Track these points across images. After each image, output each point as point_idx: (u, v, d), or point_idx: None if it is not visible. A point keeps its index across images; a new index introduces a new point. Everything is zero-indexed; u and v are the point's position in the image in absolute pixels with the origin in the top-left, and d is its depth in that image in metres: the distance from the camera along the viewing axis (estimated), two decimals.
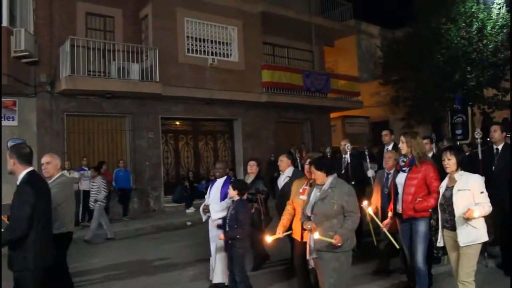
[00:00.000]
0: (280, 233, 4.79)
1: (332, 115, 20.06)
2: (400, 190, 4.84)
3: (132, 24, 14.21)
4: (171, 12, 13.90)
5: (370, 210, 5.22)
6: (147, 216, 13.19)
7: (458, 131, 8.78)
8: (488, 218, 4.33)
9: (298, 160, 8.66)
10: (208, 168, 15.78)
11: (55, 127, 12.36)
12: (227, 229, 5.22)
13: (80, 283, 6.55)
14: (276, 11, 16.30)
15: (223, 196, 5.79)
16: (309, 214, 4.23)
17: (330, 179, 4.20)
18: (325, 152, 9.05)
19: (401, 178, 4.85)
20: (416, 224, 4.73)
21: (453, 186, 4.35)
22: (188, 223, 11.81)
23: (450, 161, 4.40)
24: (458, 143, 8.42)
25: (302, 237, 4.69)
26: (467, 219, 4.11)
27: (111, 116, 13.57)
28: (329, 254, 4.06)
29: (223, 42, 15.23)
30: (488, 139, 8.74)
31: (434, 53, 18.17)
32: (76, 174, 11.65)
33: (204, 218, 6.04)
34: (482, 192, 4.26)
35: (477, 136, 6.79)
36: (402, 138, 4.90)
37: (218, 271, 5.73)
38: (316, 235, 4.01)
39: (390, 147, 7.45)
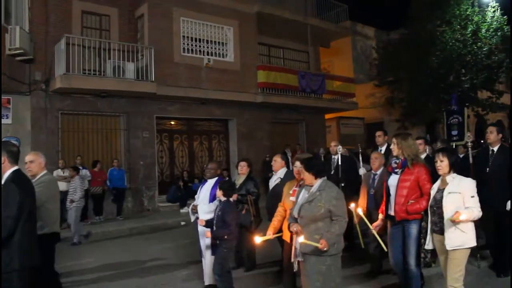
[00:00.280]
0: (270, 234, 4.74)
1: (327, 116, 20.10)
2: (392, 192, 4.80)
3: (128, 23, 14.20)
4: (167, 12, 13.89)
5: (360, 212, 5.17)
6: (141, 216, 13.17)
7: (454, 132, 8.76)
8: (476, 222, 4.29)
9: (290, 161, 8.66)
10: (202, 168, 15.74)
11: (49, 125, 12.32)
12: (214, 228, 5.19)
13: (73, 283, 6.56)
14: (272, 12, 16.32)
15: (212, 197, 5.70)
16: (296, 216, 4.17)
17: (319, 181, 4.12)
18: (319, 153, 9.07)
19: (393, 180, 4.81)
20: (409, 227, 4.70)
21: (444, 189, 4.30)
22: (182, 223, 11.80)
23: (442, 163, 4.33)
24: (454, 145, 8.43)
25: (291, 239, 4.65)
26: (454, 222, 4.05)
27: (106, 115, 13.54)
28: (315, 258, 3.99)
29: (218, 42, 15.24)
30: (482, 141, 8.80)
31: (429, 55, 18.27)
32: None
33: (192, 218, 5.99)
34: (472, 196, 4.19)
35: (467, 140, 6.83)
36: (394, 139, 4.87)
37: (209, 273, 5.70)
38: (301, 239, 3.97)
39: (383, 148, 7.44)
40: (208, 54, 14.81)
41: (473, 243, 4.17)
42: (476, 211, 4.11)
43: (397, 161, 4.82)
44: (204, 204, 5.75)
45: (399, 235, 4.82)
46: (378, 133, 7.77)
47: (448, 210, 4.15)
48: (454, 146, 8.31)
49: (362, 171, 7.35)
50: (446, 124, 9.16)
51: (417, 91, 19.24)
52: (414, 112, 19.80)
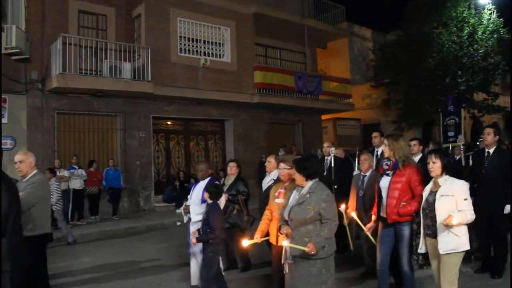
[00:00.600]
0: (257, 238, 4.69)
1: (324, 117, 20.13)
2: (384, 194, 4.75)
3: (125, 23, 14.19)
4: (164, 12, 13.89)
5: (354, 215, 5.17)
6: (137, 216, 13.16)
7: (451, 133, 8.74)
8: (469, 225, 4.24)
9: None
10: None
11: (45, 125, 12.30)
12: (201, 232, 5.17)
13: (68, 284, 6.54)
14: (269, 13, 16.33)
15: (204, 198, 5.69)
16: (286, 218, 4.10)
17: (310, 183, 4.04)
18: (316, 153, 9.06)
19: (385, 182, 4.77)
20: (401, 229, 4.66)
21: (436, 191, 4.22)
22: (178, 223, 11.78)
23: (434, 165, 4.25)
24: (450, 146, 8.44)
25: (277, 241, 4.61)
26: (447, 226, 3.97)
27: (102, 114, 13.52)
28: (305, 260, 3.93)
29: (215, 43, 15.25)
30: (478, 142, 8.79)
31: (425, 57, 18.31)
32: (66, 173, 11.60)
33: (185, 219, 5.96)
34: (465, 199, 4.11)
35: (459, 143, 6.83)
36: (385, 141, 4.84)
37: (195, 274, 5.67)
38: (285, 243, 3.94)
39: (380, 149, 7.44)
40: (205, 55, 14.82)
41: (466, 246, 4.12)
42: (469, 214, 4.05)
43: (389, 163, 4.77)
44: (196, 205, 5.74)
45: (390, 237, 4.77)
46: (375, 134, 7.77)
47: (441, 214, 4.08)
48: (450, 148, 8.32)
49: (356, 172, 7.35)
50: (443, 125, 9.14)
51: (413, 92, 19.30)
52: (411, 114, 19.84)
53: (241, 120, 16.36)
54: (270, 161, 6.33)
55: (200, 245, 5.30)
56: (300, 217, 3.95)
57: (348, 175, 6.88)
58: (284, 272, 4.13)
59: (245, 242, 4.55)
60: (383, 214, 4.80)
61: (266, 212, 4.95)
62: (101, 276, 7.00)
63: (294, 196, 4.14)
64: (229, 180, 6.84)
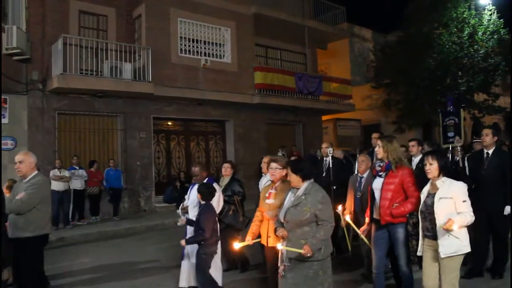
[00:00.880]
0: (249, 240, 4.65)
1: (324, 117, 20.13)
2: (377, 195, 4.71)
3: (125, 24, 14.21)
4: (164, 12, 13.91)
5: (348, 218, 5.13)
6: (138, 216, 13.17)
7: (450, 134, 8.74)
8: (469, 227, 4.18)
9: None
10: (205, 169, 15.73)
11: (46, 125, 12.31)
12: (193, 233, 5.13)
13: (68, 284, 6.56)
14: (269, 13, 16.34)
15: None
16: (282, 220, 4.07)
17: (305, 184, 4.02)
18: (316, 154, 9.04)
19: (377, 183, 4.72)
20: (395, 231, 4.62)
21: (435, 193, 4.15)
22: (179, 223, 11.78)
23: (432, 166, 4.18)
24: (450, 146, 8.43)
25: (267, 242, 4.59)
26: (447, 230, 3.93)
27: (103, 115, 13.53)
28: (301, 263, 3.90)
29: (216, 43, 15.26)
30: (473, 141, 8.75)
31: (426, 58, 18.32)
32: (67, 173, 11.61)
33: (183, 220, 5.92)
34: (464, 201, 4.06)
35: (457, 144, 6.81)
36: (379, 142, 4.79)
37: (185, 275, 5.63)
38: (280, 246, 3.91)
39: None
40: (205, 55, 14.83)
41: (467, 249, 4.09)
42: (468, 217, 4.00)
43: (381, 164, 4.72)
44: (195, 206, 5.68)
45: (384, 239, 4.72)
46: (375, 135, 7.74)
47: (440, 217, 4.02)
48: (450, 148, 8.32)
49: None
50: (442, 126, 9.14)
51: (413, 93, 19.31)
52: (411, 114, 19.86)
53: (241, 121, 16.37)
54: (266, 162, 6.27)
55: (195, 246, 5.25)
56: (296, 219, 3.93)
57: (347, 176, 6.80)
58: (281, 274, 4.07)
59: (236, 245, 4.51)
60: (376, 216, 4.75)
61: (257, 213, 4.91)
62: (101, 276, 7.01)
63: (290, 198, 4.11)
64: (224, 181, 6.85)
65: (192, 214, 5.60)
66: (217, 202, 5.62)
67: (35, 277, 4.95)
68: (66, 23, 12.98)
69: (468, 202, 4.09)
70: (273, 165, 4.79)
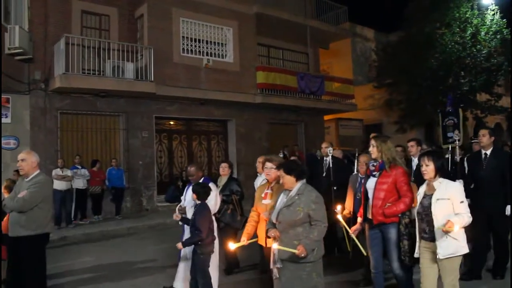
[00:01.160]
0: (244, 240, 4.57)
1: (326, 117, 20.14)
2: (370, 195, 4.69)
3: (128, 23, 14.22)
4: (166, 12, 13.92)
5: (340, 217, 5.08)
6: (140, 215, 13.19)
7: (450, 134, 8.70)
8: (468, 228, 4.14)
9: None
10: (201, 168, 15.75)
11: (48, 125, 12.34)
12: (189, 234, 5.10)
13: (70, 282, 6.58)
14: (271, 13, 16.34)
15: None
16: (274, 221, 4.01)
17: (298, 185, 3.96)
18: (316, 154, 9.02)
19: (371, 183, 4.70)
20: (388, 231, 4.58)
21: (432, 195, 4.10)
22: (180, 222, 11.80)
23: (428, 167, 4.13)
24: (450, 147, 8.42)
25: (266, 243, 4.53)
26: (447, 232, 3.88)
27: (105, 114, 13.56)
28: (295, 265, 3.84)
29: (218, 43, 15.27)
30: (472, 141, 8.72)
31: (428, 58, 18.30)
32: (69, 172, 11.64)
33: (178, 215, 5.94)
34: (462, 202, 4.02)
35: (455, 137, 6.79)
36: (373, 142, 4.76)
37: (181, 276, 5.58)
38: (275, 245, 3.87)
39: None
40: (207, 55, 14.84)
41: (465, 249, 4.06)
42: (466, 217, 3.96)
43: (375, 164, 4.71)
44: (192, 206, 5.57)
45: (378, 239, 4.69)
46: (374, 135, 7.71)
47: (438, 218, 3.98)
48: (450, 148, 8.31)
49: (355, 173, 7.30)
50: (442, 126, 9.11)
51: (416, 93, 19.28)
52: (413, 114, 19.83)
53: (243, 120, 16.38)
54: (261, 162, 6.20)
55: (192, 246, 5.19)
56: (289, 219, 3.88)
57: (347, 177, 6.76)
58: (274, 277, 4.03)
59: (232, 245, 4.45)
60: (369, 215, 4.72)
61: (252, 214, 4.88)
62: (102, 275, 7.03)
63: (282, 198, 4.05)
64: (222, 181, 6.86)
65: (190, 215, 5.51)
66: (214, 201, 5.56)
67: (37, 275, 4.97)
68: (68, 23, 13.00)
69: (466, 202, 4.07)
70: (268, 164, 4.78)
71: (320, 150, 9.26)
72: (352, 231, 4.96)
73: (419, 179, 4.69)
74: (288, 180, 3.97)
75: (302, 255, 3.72)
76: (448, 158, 6.97)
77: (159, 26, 13.75)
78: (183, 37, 14.35)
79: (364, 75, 24.75)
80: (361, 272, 6.11)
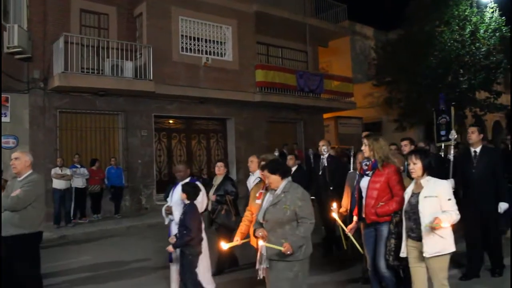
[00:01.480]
0: (238, 240, 4.56)
1: (325, 115, 20.12)
2: (364, 194, 4.68)
3: (127, 22, 14.21)
4: (165, 11, 13.92)
5: (335, 215, 5.08)
6: (139, 214, 13.22)
7: (443, 132, 8.72)
8: (454, 227, 4.10)
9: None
10: (200, 167, 15.83)
11: (47, 124, 12.33)
12: (177, 234, 5.06)
13: (69, 282, 6.60)
14: (271, 11, 16.34)
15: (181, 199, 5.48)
16: (261, 220, 4.00)
17: (283, 183, 3.97)
18: (308, 153, 8.99)
19: (365, 182, 4.70)
20: (380, 229, 4.56)
21: (419, 193, 4.08)
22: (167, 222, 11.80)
23: (415, 166, 4.11)
24: (443, 145, 8.43)
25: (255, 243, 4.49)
26: (434, 229, 3.86)
27: (104, 113, 13.55)
28: (282, 263, 3.83)
29: (217, 41, 15.26)
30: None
31: (427, 56, 18.29)
32: (68, 171, 11.64)
33: (166, 221, 5.80)
34: (449, 199, 3.99)
35: (451, 137, 6.79)
36: (365, 141, 4.75)
37: (174, 277, 5.56)
38: (261, 242, 3.85)
39: None
40: (206, 53, 14.83)
41: (452, 248, 4.01)
42: (454, 215, 3.93)
43: (368, 163, 4.70)
44: (179, 205, 5.51)
45: (372, 238, 4.69)
46: (364, 133, 7.68)
47: (425, 216, 3.95)
48: (443, 146, 8.32)
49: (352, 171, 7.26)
50: (436, 124, 9.12)
51: (415, 91, 19.28)
52: (412, 112, 19.82)
53: (242, 119, 16.38)
54: (253, 161, 6.23)
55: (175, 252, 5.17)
56: (276, 218, 3.87)
57: (344, 176, 6.68)
58: (258, 277, 4.03)
59: (224, 245, 4.43)
60: (363, 214, 4.71)
61: (247, 213, 4.87)
62: (101, 274, 7.06)
63: (268, 198, 4.06)
64: (217, 180, 6.81)
65: (176, 214, 5.45)
66: (201, 201, 5.51)
67: (32, 274, 4.97)
68: (67, 22, 12.99)
69: (453, 200, 4.04)
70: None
71: (312, 149, 9.23)
72: (349, 230, 4.96)
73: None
74: (273, 179, 3.98)
75: (288, 252, 3.71)
76: (441, 156, 6.99)
77: (158, 24, 13.74)
78: (182, 35, 14.35)
79: (363, 73, 24.73)
80: (359, 269, 6.08)
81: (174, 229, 5.43)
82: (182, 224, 5.01)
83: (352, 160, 6.99)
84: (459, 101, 18.11)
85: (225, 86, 14.95)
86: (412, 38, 19.04)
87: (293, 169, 7.95)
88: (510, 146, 10.16)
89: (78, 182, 11.91)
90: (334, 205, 5.32)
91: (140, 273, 7.03)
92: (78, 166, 12.06)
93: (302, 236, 3.83)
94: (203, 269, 5.36)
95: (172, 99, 14.40)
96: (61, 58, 11.77)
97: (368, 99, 22.46)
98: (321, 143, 7.68)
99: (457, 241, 4.11)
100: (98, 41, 12.91)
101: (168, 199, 5.88)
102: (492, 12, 18.96)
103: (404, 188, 4.46)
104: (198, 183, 5.62)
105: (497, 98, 19.59)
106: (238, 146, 16.22)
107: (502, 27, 18.77)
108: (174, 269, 5.55)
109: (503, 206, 5.62)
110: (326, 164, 7.40)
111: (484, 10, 19.02)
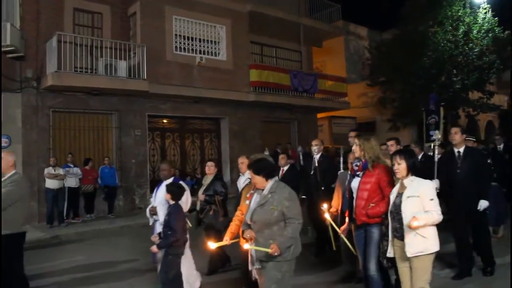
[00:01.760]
0: (227, 240, 4.49)
1: (319, 115, 20.16)
2: (355, 195, 4.64)
3: (120, 21, 14.17)
4: (159, 10, 13.89)
5: (327, 216, 5.07)
6: (133, 214, 13.17)
7: (432, 132, 8.77)
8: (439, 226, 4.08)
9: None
10: (194, 167, 15.82)
11: (40, 123, 12.27)
12: (162, 235, 5.05)
13: (63, 283, 6.59)
14: (265, 11, 16.34)
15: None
16: (249, 221, 3.98)
17: (270, 183, 3.94)
18: (297, 151, 9.00)
19: (355, 183, 4.66)
20: (370, 231, 4.51)
21: (403, 193, 4.07)
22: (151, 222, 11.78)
23: (400, 166, 4.09)
24: (432, 145, 8.49)
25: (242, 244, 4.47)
26: (412, 228, 3.84)
27: (98, 113, 13.50)
28: (271, 263, 3.81)
29: (211, 41, 15.25)
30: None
31: (421, 56, 18.36)
32: (61, 171, 11.60)
33: (151, 221, 5.79)
34: (432, 199, 3.96)
35: (435, 137, 6.83)
36: (356, 141, 4.73)
37: None
38: (247, 246, 3.84)
39: None
40: (200, 53, 14.82)
41: (435, 248, 3.98)
42: (436, 215, 3.91)
43: (358, 163, 4.68)
44: (163, 205, 5.54)
45: (362, 239, 4.65)
46: (352, 133, 7.63)
47: (407, 215, 3.93)
48: (432, 147, 8.37)
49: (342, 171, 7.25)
50: (425, 124, 9.18)
51: (408, 91, 19.35)
52: (406, 113, 19.89)
53: (237, 119, 16.38)
54: (243, 162, 6.14)
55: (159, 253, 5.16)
56: (264, 218, 3.85)
57: (335, 177, 6.65)
58: (253, 278, 4.03)
59: (212, 245, 4.40)
60: (354, 215, 4.67)
61: (237, 213, 4.86)
62: (94, 274, 7.04)
63: (255, 198, 4.04)
64: (207, 180, 6.80)
65: (163, 213, 5.44)
66: (185, 201, 5.50)
67: (15, 275, 4.96)
68: (60, 21, 12.93)
69: (436, 200, 4.01)
70: None
71: (301, 147, 9.23)
72: (341, 231, 4.95)
73: None
74: (258, 180, 3.96)
75: (276, 253, 3.70)
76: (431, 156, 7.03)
77: (152, 24, 13.71)
78: (176, 35, 14.32)
79: (357, 73, 24.79)
80: (351, 270, 6.08)
81: (159, 229, 5.41)
82: (166, 224, 4.99)
83: (341, 160, 6.96)
84: (452, 101, 18.22)
85: (219, 85, 14.94)
86: (406, 38, 19.11)
87: (285, 168, 7.98)
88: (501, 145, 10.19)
89: (71, 182, 11.86)
90: (325, 205, 5.31)
91: (133, 273, 7.02)
92: (71, 165, 12.02)
93: (290, 236, 3.81)
94: (186, 270, 5.32)
95: (166, 99, 14.37)
96: (54, 57, 11.71)
97: (362, 99, 22.52)
98: (313, 143, 7.65)
99: (448, 241, 4.12)
100: (92, 40, 12.87)
101: (152, 199, 5.88)
102: (485, 12, 19.08)
103: None
104: (182, 182, 5.61)
105: (490, 98, 19.72)
106: (232, 146, 16.21)
107: (495, 28, 18.89)
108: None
109: (483, 204, 5.66)
110: (317, 164, 7.38)
111: (477, 10, 19.13)
